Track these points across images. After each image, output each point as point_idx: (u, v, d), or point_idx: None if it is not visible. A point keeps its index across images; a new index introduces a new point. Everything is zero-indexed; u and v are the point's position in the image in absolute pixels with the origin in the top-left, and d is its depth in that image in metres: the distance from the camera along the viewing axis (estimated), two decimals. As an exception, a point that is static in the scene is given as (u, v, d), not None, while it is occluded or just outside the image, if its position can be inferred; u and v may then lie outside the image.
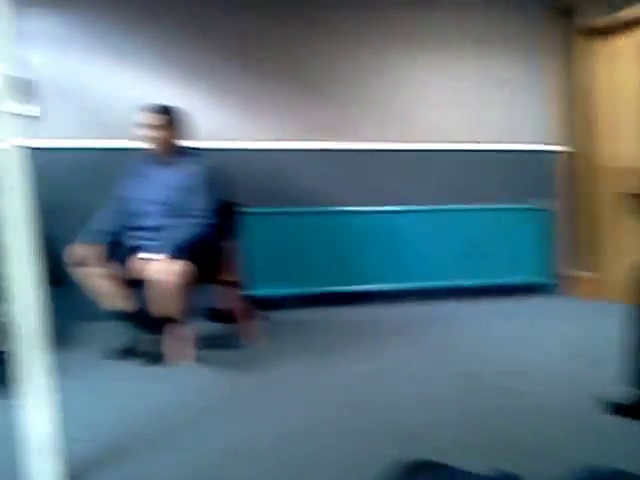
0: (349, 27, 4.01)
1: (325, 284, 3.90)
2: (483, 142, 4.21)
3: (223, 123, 3.81)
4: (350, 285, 3.95)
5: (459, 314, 3.74)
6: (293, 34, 3.91)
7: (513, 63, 4.26)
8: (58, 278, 3.27)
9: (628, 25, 3.90)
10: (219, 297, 3.21)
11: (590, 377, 2.45)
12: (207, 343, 3.05)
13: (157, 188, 2.85)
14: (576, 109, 4.24)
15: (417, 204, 4.07)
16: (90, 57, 3.60)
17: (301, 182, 3.92)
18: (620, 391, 2.05)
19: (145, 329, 2.80)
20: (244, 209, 3.25)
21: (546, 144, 4.29)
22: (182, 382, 2.48)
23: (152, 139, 2.84)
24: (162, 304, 2.60)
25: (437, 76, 4.16)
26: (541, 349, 2.92)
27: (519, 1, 4.24)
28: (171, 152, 2.89)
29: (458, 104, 4.18)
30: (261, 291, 3.76)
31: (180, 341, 2.72)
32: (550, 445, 1.83)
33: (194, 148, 2.96)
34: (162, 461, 1.75)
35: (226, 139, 3.78)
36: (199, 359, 2.75)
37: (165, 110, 2.88)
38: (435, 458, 1.61)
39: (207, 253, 2.85)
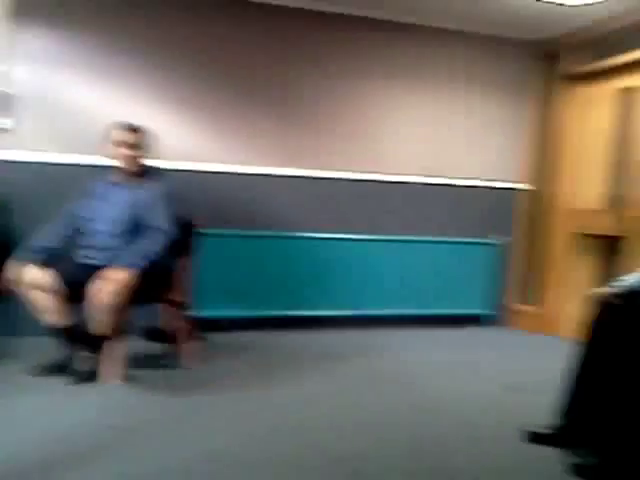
0: (334, 59, 3.97)
1: (275, 308, 3.84)
2: (452, 177, 4.24)
3: (194, 145, 3.74)
4: (299, 310, 3.88)
5: (406, 342, 3.75)
6: (273, 60, 3.85)
7: (497, 104, 4.29)
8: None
9: (606, 73, 3.95)
10: (160, 316, 3.17)
11: (523, 408, 2.52)
12: (142, 363, 2.96)
13: (115, 206, 2.80)
14: (545, 151, 4.31)
15: (376, 234, 4.06)
16: (69, 74, 3.49)
17: (265, 206, 3.88)
18: (546, 421, 2.06)
19: (80, 346, 2.70)
20: (202, 229, 3.18)
21: (513, 182, 4.35)
22: (111, 402, 2.41)
23: (124, 157, 2.81)
24: (100, 321, 2.54)
25: (414, 111, 4.16)
26: (477, 378, 3.00)
27: (509, 44, 4.25)
28: (137, 171, 2.88)
29: (433, 140, 4.20)
30: (210, 312, 3.65)
31: (114, 359, 2.66)
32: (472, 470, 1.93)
33: (157, 168, 2.93)
34: None
35: (195, 160, 3.71)
36: (132, 378, 2.67)
37: (138, 129, 2.88)
38: None
39: (157, 271, 2.78)
